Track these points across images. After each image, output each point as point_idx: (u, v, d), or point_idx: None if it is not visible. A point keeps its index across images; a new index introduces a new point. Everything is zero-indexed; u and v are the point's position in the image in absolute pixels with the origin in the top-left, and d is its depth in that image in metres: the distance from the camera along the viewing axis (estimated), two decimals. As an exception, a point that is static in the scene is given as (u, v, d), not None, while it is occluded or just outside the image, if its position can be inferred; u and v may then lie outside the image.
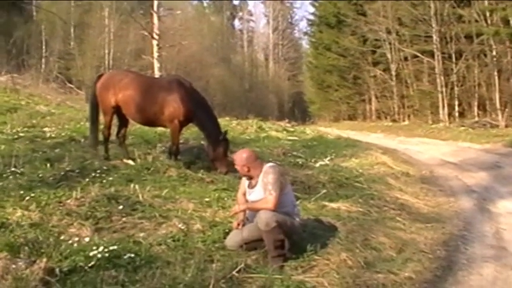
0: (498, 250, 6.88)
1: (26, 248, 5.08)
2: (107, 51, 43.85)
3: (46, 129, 13.59)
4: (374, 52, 44.78)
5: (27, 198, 6.88)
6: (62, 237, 5.66)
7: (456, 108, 33.55)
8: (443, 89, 33.92)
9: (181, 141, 12.45)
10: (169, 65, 45.28)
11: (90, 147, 10.54)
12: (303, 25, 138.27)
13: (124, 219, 6.54)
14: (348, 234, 6.68)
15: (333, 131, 33.45)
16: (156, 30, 28.44)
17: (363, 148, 18.13)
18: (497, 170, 14.06)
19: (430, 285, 5.53)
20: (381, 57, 44.08)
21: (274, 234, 5.49)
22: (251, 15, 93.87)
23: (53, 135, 12.55)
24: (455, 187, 11.86)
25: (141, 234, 6.11)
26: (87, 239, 5.63)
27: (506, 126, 27.33)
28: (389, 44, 41.19)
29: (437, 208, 9.60)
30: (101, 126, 10.63)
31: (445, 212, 9.29)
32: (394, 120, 42.62)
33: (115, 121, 10.67)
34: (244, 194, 6.12)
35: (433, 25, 33.79)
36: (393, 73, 41.75)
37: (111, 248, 5.20)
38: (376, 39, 42.44)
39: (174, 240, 5.94)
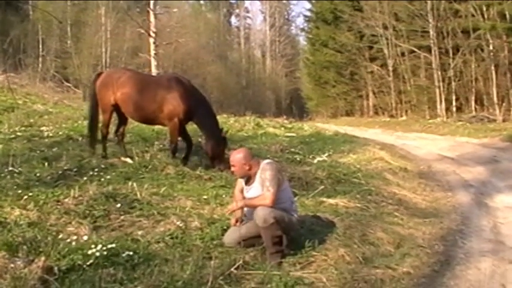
0: (496, 244, 6.89)
1: (24, 247, 5.08)
2: (103, 49, 43.78)
3: (43, 128, 13.59)
4: (371, 48, 44.74)
5: (25, 197, 6.88)
6: (60, 236, 5.65)
7: (453, 103, 33.54)
8: (441, 84, 33.92)
9: (179, 139, 12.50)
10: (166, 62, 45.30)
11: (89, 146, 10.51)
12: (300, 21, 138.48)
13: (122, 217, 6.54)
14: (346, 230, 6.69)
15: (330, 127, 33.47)
16: (152, 28, 28.47)
17: (361, 144, 18.15)
18: (494, 164, 14.08)
19: (428, 280, 5.54)
20: (377, 52, 44.06)
21: (272, 231, 5.50)
22: (248, 12, 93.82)
23: (50, 134, 12.55)
24: (453, 182, 11.88)
25: (139, 232, 6.11)
26: (85, 238, 5.63)
27: (504, 120, 27.32)
28: (386, 39, 41.17)
29: (435, 203, 9.62)
30: (99, 125, 10.61)
31: (443, 206, 9.31)
32: (391, 116, 42.63)
33: (113, 119, 10.66)
34: (242, 191, 6.13)
35: (430, 20, 33.79)
36: (390, 68, 41.72)
37: (109, 246, 5.21)
38: (373, 35, 42.39)
39: (172, 238, 5.95)
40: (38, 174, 8.29)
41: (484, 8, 28.76)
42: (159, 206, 7.07)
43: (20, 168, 8.59)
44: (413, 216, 8.28)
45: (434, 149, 18.89)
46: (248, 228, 5.77)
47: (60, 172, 8.53)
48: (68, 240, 5.52)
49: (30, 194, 7.05)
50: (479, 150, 18.03)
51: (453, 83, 33.14)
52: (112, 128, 10.66)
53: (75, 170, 8.83)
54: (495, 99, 29.07)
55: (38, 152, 10.39)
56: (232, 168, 6.02)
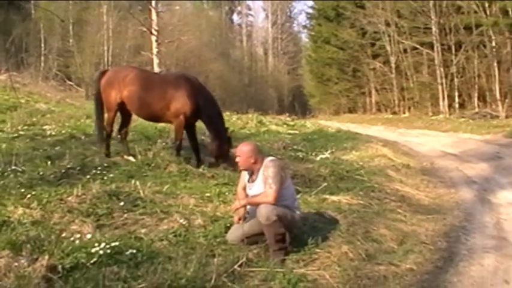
0: (499, 240, 6.89)
1: (28, 245, 5.09)
2: (105, 48, 43.82)
3: (46, 127, 13.57)
4: (373, 45, 44.80)
5: (28, 196, 6.89)
6: (63, 235, 5.65)
7: (456, 99, 33.55)
8: (443, 81, 33.93)
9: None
10: (169, 60, 45.30)
11: (99, 144, 10.45)
12: (302, 19, 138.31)
13: (125, 215, 6.55)
14: (349, 226, 6.70)
15: (333, 124, 33.49)
16: (154, 26, 28.42)
17: (363, 141, 18.15)
18: (497, 160, 14.07)
19: (431, 276, 5.54)
20: (380, 49, 44.10)
21: (275, 228, 5.50)
22: (250, 9, 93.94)
23: (53, 133, 12.54)
24: (456, 178, 11.87)
25: (143, 230, 6.12)
26: (88, 236, 5.63)
27: (507, 117, 27.33)
28: (389, 36, 41.19)
29: (438, 199, 9.62)
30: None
31: (446, 203, 9.31)
32: (394, 113, 42.63)
33: (116, 118, 10.64)
34: (244, 189, 6.13)
35: (432, 17, 33.78)
36: (393, 65, 41.73)
37: (112, 244, 5.21)
38: (375, 32, 42.43)
39: (175, 236, 5.95)
40: (41, 173, 8.29)
41: (487, 4, 28.78)
42: (162, 204, 7.08)
43: (23, 167, 8.59)
44: (416, 212, 8.28)
45: (437, 146, 18.89)
46: (251, 226, 5.77)
47: (63, 171, 8.53)
48: (72, 238, 5.52)
49: (34, 192, 7.05)
50: (482, 146, 18.02)
51: (456, 80, 33.15)
52: (115, 127, 10.65)
53: (78, 168, 8.83)
54: (498, 95, 29.07)
55: (41, 150, 10.39)
56: (238, 159, 6.02)
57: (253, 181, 5.94)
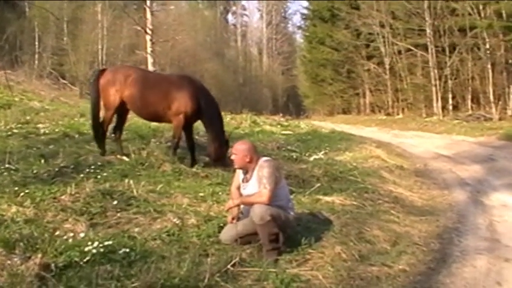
0: (491, 242, 6.91)
1: (21, 244, 5.08)
2: (100, 46, 43.67)
3: (40, 125, 13.56)
4: (368, 46, 44.87)
5: (22, 194, 6.87)
6: (57, 233, 5.64)
7: (450, 101, 33.63)
8: (437, 83, 34.00)
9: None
10: (163, 60, 45.33)
11: (97, 145, 10.36)
12: (297, 19, 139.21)
13: (119, 214, 6.54)
14: (342, 227, 6.71)
15: (327, 125, 33.62)
16: (149, 25, 28.48)
17: (357, 142, 18.21)
18: (490, 162, 14.12)
19: (424, 277, 5.55)
20: (374, 50, 44.17)
21: (268, 228, 5.51)
22: (244, 9, 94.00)
23: (47, 132, 12.53)
24: (449, 180, 11.91)
25: (136, 229, 6.11)
26: (82, 235, 5.63)
27: (500, 119, 27.40)
28: (383, 37, 41.27)
29: (431, 201, 9.64)
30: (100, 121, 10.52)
31: (439, 204, 9.34)
32: (388, 114, 42.69)
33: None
34: (239, 188, 6.14)
35: (427, 18, 33.85)
36: (387, 67, 41.80)
37: (106, 243, 5.21)
38: (370, 33, 42.55)
39: (169, 235, 5.94)
40: (34, 171, 8.27)
41: (481, 7, 28.85)
42: (155, 203, 7.07)
43: (16, 165, 8.57)
44: (410, 214, 8.30)
45: (431, 147, 18.94)
46: (245, 226, 5.78)
47: (56, 169, 8.51)
48: (65, 237, 5.51)
49: (27, 191, 7.03)
50: (476, 148, 18.08)
51: (450, 82, 33.23)
52: (110, 126, 10.62)
53: (71, 167, 8.81)
54: (491, 97, 29.13)
55: (35, 149, 10.37)
56: (233, 156, 6.02)
57: (247, 181, 5.95)
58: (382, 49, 41.74)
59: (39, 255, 4.66)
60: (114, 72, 10.37)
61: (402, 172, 12.68)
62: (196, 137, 12.03)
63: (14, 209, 6.26)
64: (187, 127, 10.34)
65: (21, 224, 5.82)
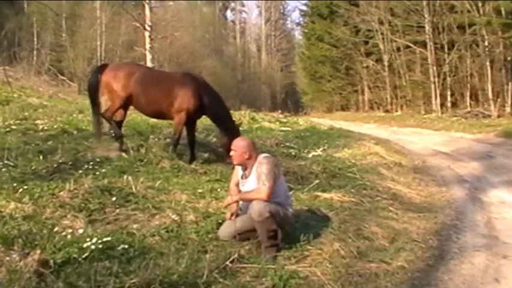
0: (489, 239, 6.92)
1: (20, 240, 5.07)
2: (98, 43, 43.67)
3: (38, 121, 13.52)
4: (366, 43, 44.79)
5: (20, 190, 6.86)
6: (55, 229, 5.65)
7: (448, 98, 33.64)
8: (436, 79, 34.00)
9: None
10: (162, 56, 45.29)
11: (95, 137, 10.40)
12: (296, 16, 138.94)
13: (117, 210, 6.54)
14: (341, 224, 6.72)
15: (325, 122, 33.57)
16: (148, 22, 28.44)
17: (356, 138, 18.22)
18: (489, 159, 14.13)
19: (422, 274, 5.56)
20: (373, 47, 44.13)
21: (267, 225, 5.51)
22: (243, 6, 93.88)
23: (45, 128, 12.49)
24: (448, 177, 11.92)
25: (135, 226, 6.11)
26: (80, 231, 5.63)
27: (499, 116, 27.40)
28: (382, 34, 41.22)
29: (429, 198, 9.65)
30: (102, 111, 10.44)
31: (437, 201, 9.35)
32: (386, 111, 42.69)
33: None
34: (237, 185, 6.14)
35: (426, 15, 33.86)
36: (386, 63, 41.76)
37: (104, 239, 5.22)
38: (369, 30, 42.45)
39: (167, 231, 5.94)
40: (33, 168, 8.26)
41: (480, 4, 28.81)
42: (154, 200, 7.07)
43: (15, 162, 8.57)
44: (408, 210, 8.31)
45: (429, 144, 18.96)
46: (243, 222, 5.78)
47: (55, 165, 8.50)
48: (64, 233, 5.52)
49: (26, 187, 7.03)
50: (474, 145, 18.09)
51: (448, 79, 33.24)
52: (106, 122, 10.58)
53: (70, 163, 8.81)
54: (490, 94, 29.13)
55: (33, 145, 10.36)
56: (232, 153, 6.02)
57: (246, 177, 5.94)
58: (381, 46, 41.70)
59: (38, 252, 4.65)
60: (117, 69, 10.32)
61: (401, 169, 12.69)
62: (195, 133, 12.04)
63: (12, 205, 6.26)
64: (190, 123, 10.34)
65: (20, 220, 5.82)
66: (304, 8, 64.52)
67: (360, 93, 50.58)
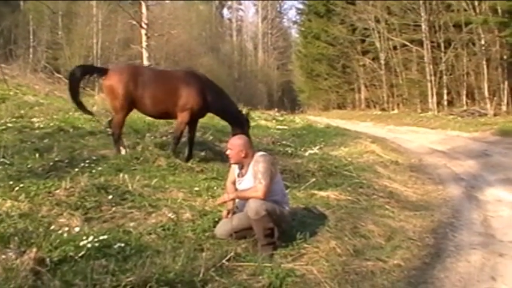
0: (486, 237, 6.93)
1: (16, 238, 5.06)
2: (95, 40, 43.53)
3: (34, 119, 13.51)
4: (363, 41, 44.87)
5: (17, 188, 6.86)
6: (51, 228, 5.63)
7: (445, 97, 33.69)
8: (432, 78, 34.06)
9: (170, 131, 12.48)
10: (158, 54, 45.18)
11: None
12: (292, 14, 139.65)
13: (114, 209, 6.53)
14: (337, 222, 6.72)
15: (322, 120, 33.67)
16: (144, 20, 28.43)
17: (352, 137, 18.26)
18: (485, 158, 14.15)
19: (418, 272, 5.56)
20: (369, 46, 44.20)
21: (263, 223, 5.51)
22: (240, 4, 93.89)
23: (41, 126, 12.49)
24: (444, 175, 11.94)
25: (131, 224, 6.11)
26: (77, 229, 5.61)
27: (495, 114, 27.42)
28: (378, 33, 41.30)
29: (425, 196, 9.66)
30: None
31: (434, 199, 9.36)
32: (383, 109, 42.73)
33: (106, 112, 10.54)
34: (234, 183, 6.13)
35: (422, 14, 33.93)
36: (382, 62, 41.85)
37: (101, 237, 5.20)
38: (365, 28, 42.55)
39: (164, 230, 5.94)
40: (29, 166, 8.26)
41: (476, 3, 28.84)
42: (150, 198, 7.07)
43: (11, 160, 8.57)
44: (404, 209, 8.32)
45: (426, 143, 19.00)
46: (240, 220, 5.78)
47: (51, 163, 8.50)
48: (60, 231, 5.50)
49: (22, 185, 7.02)
50: (470, 144, 18.12)
51: (445, 77, 33.28)
52: (104, 120, 10.55)
53: (66, 161, 8.81)
54: (486, 93, 29.17)
55: (29, 143, 10.36)
56: (228, 152, 6.02)
57: (243, 175, 5.94)
58: (378, 44, 41.78)
59: (34, 250, 4.64)
60: (120, 73, 10.02)
61: (397, 167, 12.71)
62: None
63: (8, 203, 6.25)
64: (193, 122, 10.36)
65: (16, 218, 5.81)
66: (300, 6, 65.05)
67: (357, 91, 50.67)
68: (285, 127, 21.21)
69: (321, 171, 10.12)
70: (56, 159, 8.77)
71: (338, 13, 46.27)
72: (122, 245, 5.20)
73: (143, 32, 29.10)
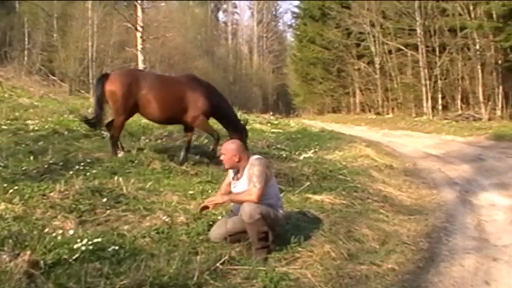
0: (480, 242, 6.95)
1: (10, 240, 5.05)
2: (90, 43, 43.39)
3: (29, 121, 13.49)
4: (358, 45, 44.89)
5: (11, 191, 6.85)
6: (46, 230, 5.63)
7: (439, 101, 33.72)
8: (427, 82, 34.09)
9: (165, 134, 12.49)
10: (153, 57, 45.18)
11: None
12: (288, 18, 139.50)
13: (108, 211, 6.53)
14: (332, 226, 6.72)
15: (317, 124, 33.70)
16: (140, 22, 28.43)
17: (347, 141, 18.26)
18: (479, 162, 14.19)
19: (412, 276, 5.57)
20: (365, 50, 44.21)
21: (258, 226, 5.51)
22: (235, 7, 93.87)
23: (36, 128, 12.46)
24: (438, 179, 11.96)
25: (125, 227, 6.11)
26: (71, 232, 5.62)
27: (489, 119, 27.53)
28: (373, 37, 41.32)
29: (420, 200, 9.68)
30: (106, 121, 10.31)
31: (428, 204, 9.38)
32: (378, 113, 42.73)
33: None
34: (229, 185, 6.14)
35: (417, 18, 33.99)
36: (377, 66, 41.85)
37: (95, 240, 5.20)
38: (360, 32, 42.54)
39: (158, 233, 5.94)
40: (23, 168, 8.25)
41: (471, 7, 28.91)
42: (145, 201, 7.07)
43: (5, 162, 8.55)
44: (399, 213, 8.34)
45: (420, 147, 19.02)
46: (234, 224, 5.78)
47: (46, 166, 8.49)
48: (54, 234, 5.50)
49: (16, 187, 7.01)
50: (465, 148, 18.17)
51: (439, 82, 33.31)
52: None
53: (61, 164, 8.80)
54: (481, 98, 29.26)
55: (24, 145, 10.33)
56: (222, 157, 6.03)
57: (238, 179, 5.94)
58: (373, 48, 41.79)
59: (28, 253, 4.64)
60: (123, 76, 10.06)
61: (391, 171, 12.73)
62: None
63: (2, 205, 6.25)
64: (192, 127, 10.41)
65: (10, 221, 5.81)
66: (296, 10, 64.68)
67: (351, 95, 50.66)
68: (280, 131, 21.22)
69: (315, 175, 10.14)
70: (51, 161, 8.76)
71: (333, 17, 46.21)
72: (116, 248, 5.20)
73: (138, 34, 29.09)
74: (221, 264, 5.16)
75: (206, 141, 12.49)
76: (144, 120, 12.57)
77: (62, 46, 40.86)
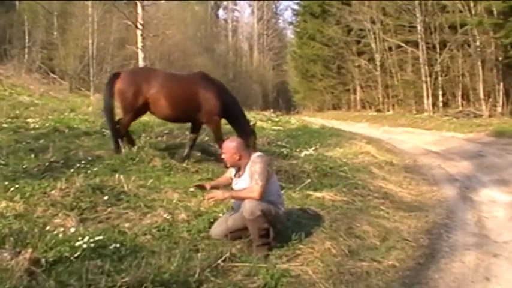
0: (480, 238, 6.95)
1: (11, 238, 5.07)
2: (90, 41, 43.36)
3: (29, 120, 13.52)
4: (358, 42, 44.84)
5: (12, 189, 6.86)
6: (47, 228, 5.64)
7: (440, 98, 33.68)
8: (428, 79, 34.06)
9: (166, 131, 12.49)
10: (153, 54, 45.11)
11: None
12: (288, 15, 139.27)
13: (109, 209, 6.54)
14: (332, 223, 6.72)
15: (317, 121, 33.66)
16: (140, 20, 28.37)
17: (347, 138, 18.26)
18: (480, 159, 14.17)
19: (413, 272, 5.57)
20: (365, 47, 44.17)
21: (258, 223, 5.51)
22: (235, 4, 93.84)
23: (36, 126, 12.49)
24: (439, 176, 11.95)
25: (126, 224, 6.12)
26: (72, 230, 5.62)
27: (490, 116, 27.51)
28: (374, 33, 41.28)
29: (420, 197, 9.67)
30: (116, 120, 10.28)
31: (428, 200, 9.37)
32: (378, 110, 42.73)
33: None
34: (231, 179, 6.14)
35: (418, 15, 33.93)
36: (377, 63, 41.80)
37: (96, 238, 5.21)
38: (361, 29, 42.49)
39: (159, 230, 5.95)
40: (24, 166, 8.26)
41: (472, 4, 28.84)
42: (146, 198, 7.08)
43: (6, 160, 8.57)
44: (399, 209, 8.33)
45: (421, 144, 19.00)
46: (235, 221, 5.79)
47: (46, 164, 8.50)
48: (55, 232, 5.51)
49: (17, 185, 7.03)
50: (465, 145, 18.15)
51: (440, 78, 33.28)
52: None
53: (61, 162, 8.81)
54: (481, 94, 29.22)
55: (24, 143, 10.35)
56: (223, 155, 6.04)
57: (239, 176, 5.95)
58: (373, 45, 41.75)
59: (29, 250, 4.64)
60: (133, 75, 10.16)
61: (392, 168, 12.71)
62: (187, 132, 12.03)
63: (3, 204, 6.26)
64: (200, 124, 10.43)
65: (11, 218, 5.82)
66: (296, 7, 64.69)
67: (352, 92, 50.62)
68: (280, 128, 21.23)
69: (316, 172, 10.12)
70: (51, 159, 8.77)
71: (333, 14, 46.21)
72: (117, 245, 5.22)
73: (138, 32, 29.02)
74: (222, 261, 5.16)
75: (207, 138, 12.48)
76: (145, 118, 12.57)
77: (62, 44, 40.85)
